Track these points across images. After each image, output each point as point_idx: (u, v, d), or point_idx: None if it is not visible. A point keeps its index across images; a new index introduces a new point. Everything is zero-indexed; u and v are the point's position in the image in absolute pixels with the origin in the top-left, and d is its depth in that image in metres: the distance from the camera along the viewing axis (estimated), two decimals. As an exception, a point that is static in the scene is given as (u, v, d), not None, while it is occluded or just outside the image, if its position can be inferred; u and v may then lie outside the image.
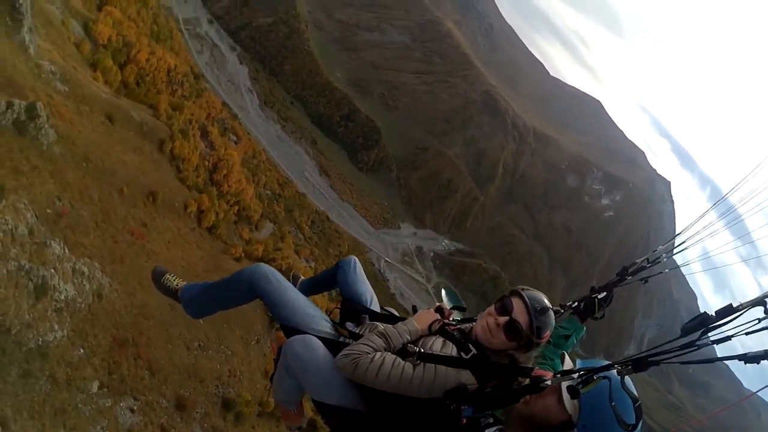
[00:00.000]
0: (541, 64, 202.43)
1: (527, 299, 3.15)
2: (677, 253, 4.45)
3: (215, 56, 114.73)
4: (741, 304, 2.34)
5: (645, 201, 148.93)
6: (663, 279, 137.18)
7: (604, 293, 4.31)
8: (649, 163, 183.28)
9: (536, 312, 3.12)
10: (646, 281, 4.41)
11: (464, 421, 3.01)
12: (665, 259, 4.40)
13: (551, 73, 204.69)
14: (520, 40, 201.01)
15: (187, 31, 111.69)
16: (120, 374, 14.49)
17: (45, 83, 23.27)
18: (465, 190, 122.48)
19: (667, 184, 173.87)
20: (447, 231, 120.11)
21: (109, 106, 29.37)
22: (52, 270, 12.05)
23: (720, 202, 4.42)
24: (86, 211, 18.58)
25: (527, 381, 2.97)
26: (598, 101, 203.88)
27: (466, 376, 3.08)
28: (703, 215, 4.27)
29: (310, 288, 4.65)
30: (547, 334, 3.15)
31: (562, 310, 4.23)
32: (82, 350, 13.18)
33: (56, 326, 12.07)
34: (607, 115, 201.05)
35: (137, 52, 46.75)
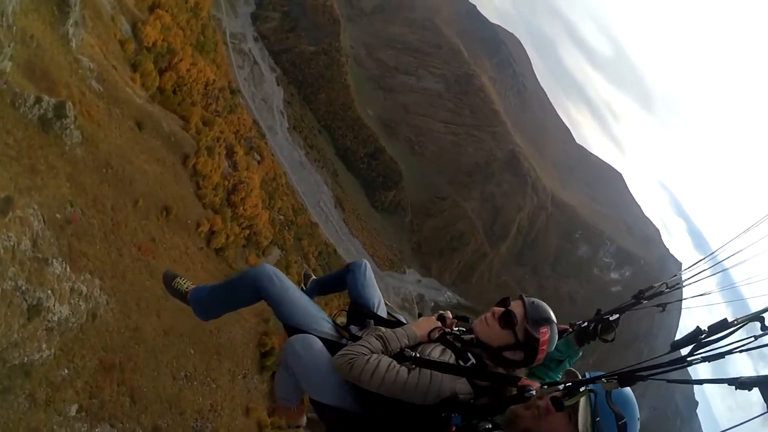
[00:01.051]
0: (569, 130, 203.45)
1: (526, 299, 3.25)
2: (697, 281, 4.32)
3: (254, 74, 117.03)
4: (737, 319, 2.24)
5: (654, 280, 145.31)
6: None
7: (616, 315, 4.29)
8: (663, 242, 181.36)
9: (532, 307, 3.19)
10: (664, 308, 4.43)
11: (453, 429, 2.98)
12: (685, 286, 4.36)
13: (577, 140, 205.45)
14: (551, 104, 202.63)
15: (233, 44, 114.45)
16: (101, 399, 14.25)
17: (80, 80, 23.41)
18: (476, 244, 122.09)
19: (679, 265, 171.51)
20: (452, 283, 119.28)
21: (140, 112, 29.58)
22: (49, 291, 12.01)
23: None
24: (97, 219, 18.58)
25: (514, 391, 2.96)
26: (620, 174, 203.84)
27: (462, 385, 3.07)
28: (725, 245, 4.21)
29: (319, 288, 4.75)
30: (545, 331, 3.15)
31: (570, 329, 4.28)
32: (66, 371, 13.06)
33: (44, 345, 11.97)
34: (627, 188, 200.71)
35: (179, 60, 47.29)
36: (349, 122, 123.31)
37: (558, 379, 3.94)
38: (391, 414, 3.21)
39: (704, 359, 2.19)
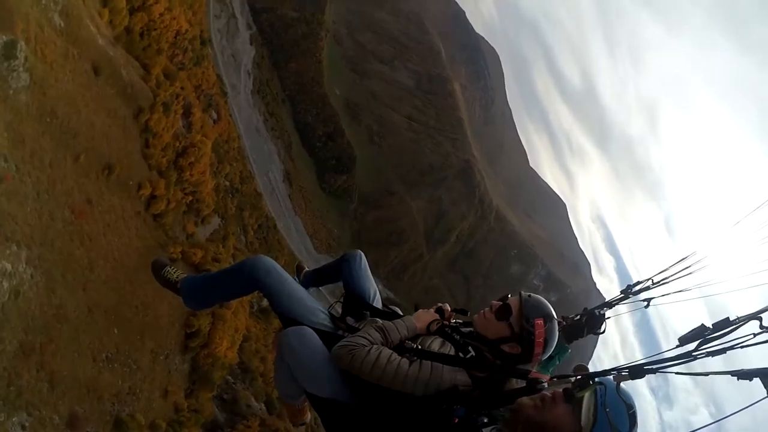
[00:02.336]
0: (525, 152, 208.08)
1: (524, 294, 3.33)
2: (684, 276, 4.38)
3: (230, 27, 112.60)
4: (738, 318, 2.40)
5: (577, 309, 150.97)
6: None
7: (606, 309, 4.42)
8: (591, 276, 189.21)
9: (529, 300, 3.25)
10: (648, 304, 4.46)
11: (456, 420, 2.98)
12: (671, 282, 4.40)
13: (531, 164, 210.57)
14: (514, 123, 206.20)
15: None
16: (18, 386, 13.58)
17: (42, 12, 21.69)
18: (414, 244, 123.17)
19: (602, 299, 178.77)
20: (384, 277, 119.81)
21: (100, 55, 27.78)
22: None
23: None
24: (32, 176, 17.50)
25: (516, 384, 3.05)
26: (564, 203, 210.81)
27: (462, 377, 3.10)
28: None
29: (314, 280, 4.83)
30: (540, 323, 3.16)
31: (564, 322, 4.41)
32: None
33: None
34: (568, 218, 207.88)
35: (154, 2, 44.90)
36: (315, 98, 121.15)
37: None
38: (390, 406, 3.19)
39: (708, 354, 2.36)
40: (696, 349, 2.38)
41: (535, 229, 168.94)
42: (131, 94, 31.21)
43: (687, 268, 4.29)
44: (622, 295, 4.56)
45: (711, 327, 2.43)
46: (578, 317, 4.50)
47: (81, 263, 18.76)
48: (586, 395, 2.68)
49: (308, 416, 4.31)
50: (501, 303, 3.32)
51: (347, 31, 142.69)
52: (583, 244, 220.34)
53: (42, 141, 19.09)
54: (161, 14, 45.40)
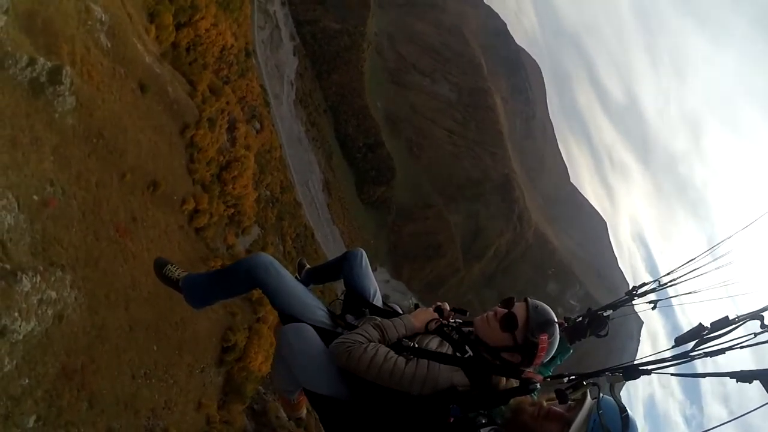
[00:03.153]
0: (566, 167, 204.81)
1: (530, 302, 3.17)
2: (690, 279, 4.25)
3: (273, 38, 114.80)
4: (738, 317, 2.30)
5: (614, 333, 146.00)
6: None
7: (610, 311, 4.37)
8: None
9: (535, 312, 3.10)
10: (655, 306, 4.41)
11: (451, 420, 2.93)
12: (678, 283, 4.27)
13: (571, 179, 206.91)
14: (555, 138, 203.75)
15: (258, 3, 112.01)
16: (59, 406, 13.67)
17: (88, 32, 22.00)
18: (451, 258, 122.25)
19: (640, 323, 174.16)
20: (418, 290, 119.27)
21: (146, 73, 28.21)
22: (16, 313, 11.42)
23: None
24: (78, 198, 17.64)
25: (514, 383, 2.99)
26: (604, 221, 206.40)
27: (459, 377, 3.05)
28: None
29: (314, 277, 4.80)
30: (545, 338, 3.06)
31: (565, 323, 4.34)
32: (27, 380, 12.47)
33: (6, 360, 11.38)
34: (608, 237, 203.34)
35: (201, 18, 45.70)
36: (356, 109, 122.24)
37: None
38: (387, 404, 3.16)
39: (706, 354, 2.29)
40: (693, 350, 2.32)
41: (574, 247, 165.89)
42: (177, 111, 31.64)
43: (695, 270, 4.14)
44: (626, 297, 4.47)
45: (709, 326, 2.34)
46: (581, 319, 4.42)
47: (124, 281, 18.88)
48: (579, 421, 2.62)
49: (304, 411, 4.34)
50: (506, 311, 3.19)
51: (389, 43, 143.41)
52: (623, 264, 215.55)
53: (88, 162, 19.27)
54: (207, 30, 46.27)
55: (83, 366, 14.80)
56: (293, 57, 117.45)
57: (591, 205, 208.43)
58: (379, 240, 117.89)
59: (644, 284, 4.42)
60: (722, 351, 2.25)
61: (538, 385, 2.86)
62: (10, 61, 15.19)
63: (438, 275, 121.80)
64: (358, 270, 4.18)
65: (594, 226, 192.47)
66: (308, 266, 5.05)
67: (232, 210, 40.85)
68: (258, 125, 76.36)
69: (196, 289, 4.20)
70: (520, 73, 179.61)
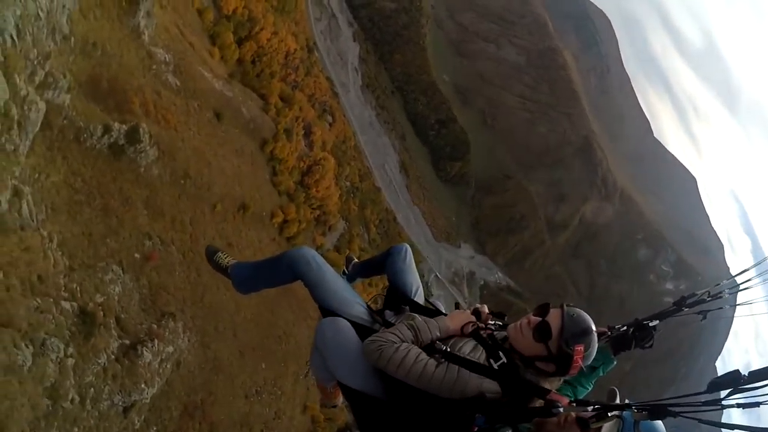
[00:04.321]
0: (648, 121, 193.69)
1: (566, 310, 3.04)
2: (742, 290, 4.23)
3: (331, 27, 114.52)
4: None
5: (703, 325, 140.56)
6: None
7: (656, 321, 4.12)
8: (725, 260, 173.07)
9: (571, 320, 2.98)
10: (705, 317, 4.31)
11: (475, 429, 2.95)
12: (727, 296, 4.22)
13: (654, 134, 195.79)
14: (633, 91, 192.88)
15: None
16: (184, 441, 13.89)
17: (155, 76, 22.82)
18: (535, 230, 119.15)
19: (736, 287, 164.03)
20: (504, 264, 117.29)
21: (219, 100, 29.30)
22: (142, 384, 11.52)
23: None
24: (176, 241, 18.22)
25: (542, 402, 2.92)
26: (694, 177, 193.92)
27: (489, 384, 3.01)
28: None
29: (361, 271, 4.79)
30: (580, 349, 2.94)
31: (609, 332, 4.12)
32: (155, 428, 12.71)
33: (136, 418, 11.57)
34: (699, 194, 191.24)
35: (260, 30, 46.97)
36: (423, 86, 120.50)
37: (590, 387, 4.00)
38: (416, 404, 3.17)
39: (739, 405, 2.22)
40: (726, 398, 2.23)
41: (663, 208, 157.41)
42: (254, 129, 32.45)
43: (746, 281, 4.06)
44: (674, 307, 4.21)
45: (746, 375, 2.21)
46: (626, 328, 4.12)
47: (228, 309, 19.44)
48: (608, 426, 2.62)
49: (340, 399, 4.29)
50: (540, 320, 3.05)
51: (448, 14, 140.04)
52: (716, 223, 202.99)
53: (180, 204, 19.83)
54: (269, 39, 47.26)
55: (202, 401, 15.23)
56: (354, 43, 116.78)
57: (678, 160, 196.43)
58: (461, 216, 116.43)
59: (693, 295, 4.26)
60: (757, 404, 2.17)
61: (562, 409, 2.73)
62: (85, 135, 15.53)
63: (522, 248, 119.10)
64: (402, 265, 4.09)
65: (683, 184, 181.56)
66: (356, 260, 5.03)
67: (318, 212, 41.42)
68: (330, 118, 76.81)
69: (243, 277, 4.29)
70: (589, 27, 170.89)
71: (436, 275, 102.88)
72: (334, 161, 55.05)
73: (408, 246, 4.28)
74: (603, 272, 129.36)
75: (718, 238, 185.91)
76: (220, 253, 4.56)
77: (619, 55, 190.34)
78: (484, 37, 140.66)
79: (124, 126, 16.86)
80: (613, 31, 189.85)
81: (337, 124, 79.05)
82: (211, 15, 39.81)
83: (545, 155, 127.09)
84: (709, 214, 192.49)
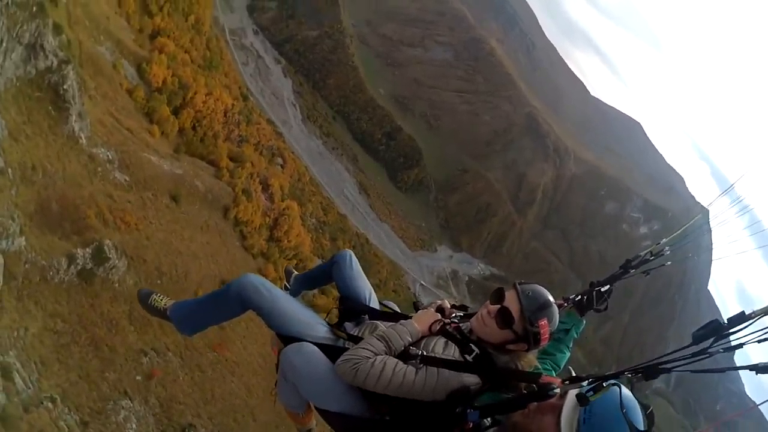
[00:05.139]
0: (582, 83, 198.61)
1: (519, 289, 3.10)
2: (679, 246, 4.49)
3: (260, 68, 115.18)
4: (753, 312, 2.32)
5: (683, 232, 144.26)
6: (696, 311, 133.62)
7: (607, 286, 4.29)
8: (687, 190, 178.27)
9: (528, 299, 3.04)
10: (648, 274, 4.45)
11: (470, 425, 2.96)
12: (667, 252, 4.42)
13: (591, 93, 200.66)
14: (561, 59, 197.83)
15: (233, 41, 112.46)
16: None
17: (102, 180, 22.28)
18: (503, 214, 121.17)
19: (707, 213, 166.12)
20: (483, 255, 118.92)
21: (172, 181, 28.84)
22: None
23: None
24: (170, 347, 18.40)
25: (535, 387, 2.91)
26: (638, 123, 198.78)
27: (470, 378, 3.05)
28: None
29: (304, 284, 4.66)
30: (544, 323, 3.04)
31: (565, 303, 4.22)
32: None
33: None
34: (647, 137, 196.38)
35: (194, 94, 46.69)
36: (362, 104, 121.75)
37: (568, 351, 4.05)
38: (402, 415, 3.19)
39: (725, 350, 2.35)
40: (711, 346, 2.36)
41: (617, 159, 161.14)
42: (213, 199, 32.40)
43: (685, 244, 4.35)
44: (622, 270, 4.42)
45: (726, 322, 2.35)
46: (581, 297, 4.29)
47: (240, 394, 19.64)
48: (568, 406, 2.67)
49: (313, 422, 4.26)
50: (498, 307, 3.11)
51: (369, 29, 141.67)
52: (671, 160, 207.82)
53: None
54: (204, 102, 47.18)
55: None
56: (285, 78, 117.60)
57: (620, 111, 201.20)
58: (429, 220, 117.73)
59: (637, 257, 4.42)
60: (740, 346, 2.32)
61: (557, 390, 2.78)
62: (51, 272, 15.53)
63: (496, 234, 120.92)
64: (349, 272, 4.05)
65: (630, 132, 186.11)
66: (296, 273, 4.86)
67: (295, 261, 41.66)
68: (280, 160, 77.20)
69: (186, 317, 4.04)
70: (506, 9, 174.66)
71: (421, 284, 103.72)
72: (297, 205, 55.36)
73: (351, 252, 4.21)
74: (577, 236, 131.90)
75: (677, 173, 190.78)
76: (154, 296, 4.30)
77: (540, 28, 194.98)
78: (408, 43, 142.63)
79: (87, 250, 16.96)
80: (529, 7, 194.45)
81: (288, 163, 79.51)
82: (142, 92, 39.37)
83: (495, 141, 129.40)
84: (662, 153, 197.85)
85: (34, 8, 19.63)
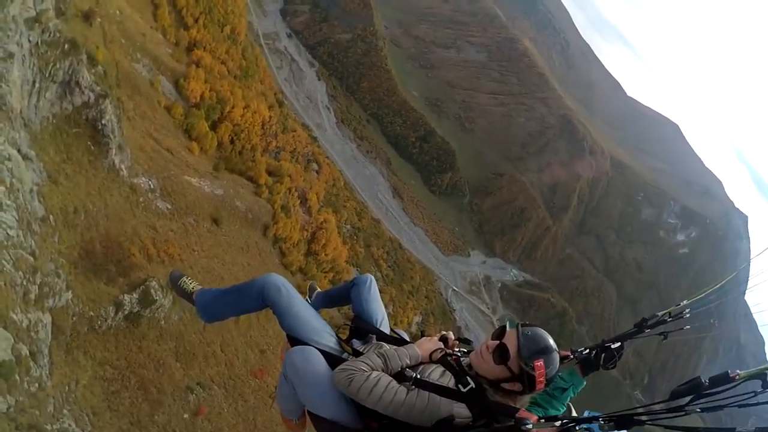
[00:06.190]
0: (617, 82, 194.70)
1: (521, 330, 3.13)
2: (702, 308, 4.19)
3: (294, 71, 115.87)
4: (739, 375, 2.29)
5: (721, 239, 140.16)
6: (732, 323, 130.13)
7: (618, 344, 4.12)
8: (726, 194, 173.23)
9: (527, 339, 3.07)
10: (665, 337, 4.24)
11: None
12: (688, 315, 4.10)
13: (628, 93, 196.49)
14: (596, 57, 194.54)
15: (267, 45, 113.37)
16: None
17: (145, 211, 22.33)
18: (538, 219, 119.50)
19: (745, 218, 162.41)
20: (516, 260, 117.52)
21: (213, 203, 28.99)
22: None
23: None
24: (215, 380, 18.32)
25: (511, 422, 2.90)
26: (676, 124, 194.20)
27: (460, 409, 3.07)
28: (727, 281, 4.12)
29: (324, 302, 4.70)
30: (540, 365, 3.02)
31: (571, 356, 4.11)
32: None
33: None
34: (685, 139, 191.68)
35: (232, 108, 47.04)
36: (396, 107, 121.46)
37: (563, 409, 3.95)
38: (390, 431, 3.25)
39: (702, 410, 2.31)
40: (688, 404, 2.32)
41: (654, 162, 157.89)
42: (253, 218, 32.42)
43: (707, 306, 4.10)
44: (636, 329, 4.18)
45: (707, 382, 2.33)
46: (589, 351, 4.15)
47: (279, 421, 19.26)
48: None
49: None
50: (497, 343, 3.15)
51: (402, 31, 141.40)
52: (709, 162, 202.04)
53: (206, 336, 19.98)
54: (242, 115, 47.39)
55: None
56: (319, 82, 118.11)
57: (655, 111, 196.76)
58: (463, 225, 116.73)
59: (654, 316, 4.18)
60: (719, 408, 2.28)
61: (531, 425, 2.74)
62: (99, 322, 15.51)
63: (530, 239, 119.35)
64: (366, 296, 4.14)
65: (667, 134, 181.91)
66: (319, 290, 4.96)
67: (332, 273, 41.55)
68: (316, 166, 77.36)
69: (209, 304, 4.23)
70: (539, 7, 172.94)
71: (454, 289, 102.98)
72: (333, 217, 55.28)
73: (372, 276, 4.33)
74: (613, 242, 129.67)
75: (715, 176, 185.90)
76: (185, 278, 4.56)
77: (574, 26, 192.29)
78: (441, 44, 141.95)
79: (134, 295, 16.98)
80: (562, 4, 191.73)
81: (323, 169, 79.72)
82: (180, 109, 39.68)
83: (530, 144, 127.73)
84: (699, 155, 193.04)
85: (66, 45, 19.68)
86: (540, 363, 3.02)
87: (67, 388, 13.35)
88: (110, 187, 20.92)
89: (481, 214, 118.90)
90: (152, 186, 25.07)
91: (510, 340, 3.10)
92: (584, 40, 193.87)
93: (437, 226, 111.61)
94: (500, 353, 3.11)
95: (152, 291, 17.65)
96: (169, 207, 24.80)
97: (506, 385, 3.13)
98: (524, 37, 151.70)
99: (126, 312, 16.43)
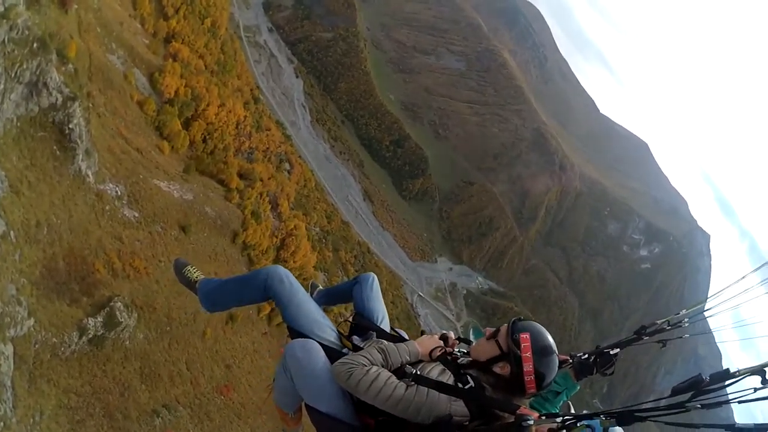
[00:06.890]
0: (592, 100, 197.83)
1: (516, 323, 3.23)
2: (701, 319, 4.39)
3: (272, 67, 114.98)
4: (738, 371, 2.32)
5: (683, 256, 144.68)
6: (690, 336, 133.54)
7: (617, 350, 4.26)
8: (690, 214, 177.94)
9: (515, 323, 3.20)
10: (664, 345, 4.35)
11: None
12: (686, 324, 4.25)
13: (601, 110, 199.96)
14: (573, 74, 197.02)
15: (247, 38, 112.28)
16: None
17: (111, 220, 21.55)
18: (505, 229, 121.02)
19: (707, 237, 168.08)
20: (482, 268, 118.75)
21: (181, 210, 28.24)
22: None
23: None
24: (180, 399, 18.21)
25: (512, 419, 2.93)
26: (645, 143, 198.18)
27: (458, 407, 3.09)
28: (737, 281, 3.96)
29: (326, 299, 4.85)
30: (526, 337, 3.10)
31: (570, 360, 4.23)
32: None
33: None
34: (653, 158, 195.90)
35: (206, 106, 46.10)
36: (372, 110, 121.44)
37: (556, 412, 3.95)
38: (386, 428, 3.27)
39: (703, 406, 2.33)
40: (689, 400, 2.35)
41: (623, 179, 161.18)
42: (222, 225, 31.91)
43: (707, 311, 4.13)
44: (635, 336, 4.32)
45: (707, 378, 2.37)
46: (587, 356, 4.29)
47: None
48: None
49: (300, 427, 4.32)
50: (493, 330, 3.34)
51: (384, 34, 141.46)
52: (676, 182, 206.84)
53: (171, 353, 19.89)
54: (216, 114, 46.54)
55: None
56: (296, 79, 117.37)
57: (626, 129, 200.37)
58: (432, 231, 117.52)
59: (653, 324, 4.32)
60: (719, 404, 2.31)
61: (532, 422, 2.76)
62: (62, 347, 15.18)
63: (497, 249, 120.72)
64: (368, 293, 4.24)
65: (636, 151, 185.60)
66: (320, 287, 5.09)
67: (300, 281, 41.46)
68: (288, 166, 77.06)
69: (211, 293, 4.28)
70: (520, 20, 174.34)
71: (419, 295, 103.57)
72: (303, 223, 54.91)
73: (374, 275, 4.43)
74: (578, 255, 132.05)
75: (681, 196, 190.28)
76: (189, 267, 4.61)
77: (554, 41, 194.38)
78: (422, 50, 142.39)
79: (99, 318, 16.66)
80: (544, 19, 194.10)
81: (295, 169, 79.42)
82: (153, 104, 38.45)
83: (502, 155, 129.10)
84: (667, 175, 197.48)
85: (35, 45, 18.97)
86: (526, 335, 3.11)
87: (31, 420, 13.04)
88: (75, 196, 20.07)
89: (450, 221, 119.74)
90: (119, 193, 24.27)
91: (503, 329, 3.27)
92: (562, 56, 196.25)
93: (406, 231, 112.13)
94: (493, 331, 3.31)
95: (117, 313, 17.36)
96: (137, 215, 24.19)
97: (496, 367, 3.22)
98: (504, 49, 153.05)
99: (90, 335, 16.14)
